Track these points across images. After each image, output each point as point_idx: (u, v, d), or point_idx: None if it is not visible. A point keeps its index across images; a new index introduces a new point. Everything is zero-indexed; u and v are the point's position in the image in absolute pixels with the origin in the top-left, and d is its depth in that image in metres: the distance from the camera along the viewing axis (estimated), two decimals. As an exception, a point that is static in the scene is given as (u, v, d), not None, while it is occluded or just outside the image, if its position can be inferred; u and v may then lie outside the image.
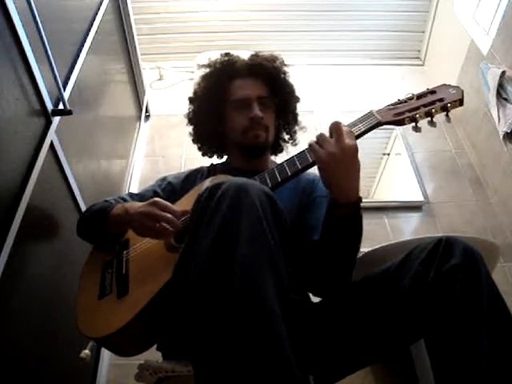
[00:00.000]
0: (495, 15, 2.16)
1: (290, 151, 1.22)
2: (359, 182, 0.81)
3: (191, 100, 1.19)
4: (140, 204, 0.88)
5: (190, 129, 1.21)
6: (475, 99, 2.14)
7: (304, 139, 1.13)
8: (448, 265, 0.75)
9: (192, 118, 1.19)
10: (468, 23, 2.39)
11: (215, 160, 1.22)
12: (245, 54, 1.17)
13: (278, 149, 1.23)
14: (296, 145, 1.23)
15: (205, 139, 1.19)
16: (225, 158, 1.22)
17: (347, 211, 0.81)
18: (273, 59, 1.14)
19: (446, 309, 0.74)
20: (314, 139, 0.82)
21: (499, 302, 0.75)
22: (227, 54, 1.15)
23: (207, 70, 1.16)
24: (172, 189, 1.08)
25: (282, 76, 1.15)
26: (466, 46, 2.34)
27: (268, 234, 0.66)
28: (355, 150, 0.78)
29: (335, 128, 0.79)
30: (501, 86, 1.85)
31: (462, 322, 0.72)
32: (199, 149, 1.22)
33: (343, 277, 0.89)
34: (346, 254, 0.87)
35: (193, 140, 1.21)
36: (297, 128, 1.22)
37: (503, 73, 1.84)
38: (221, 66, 1.14)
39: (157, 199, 0.85)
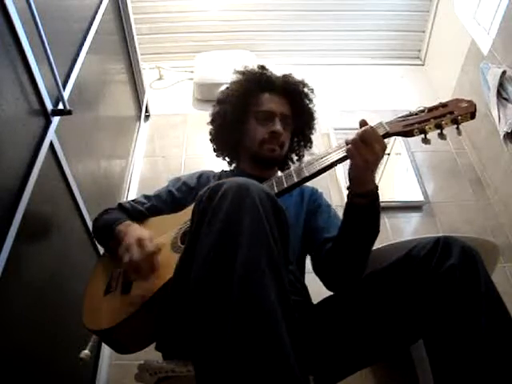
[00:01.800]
0: (496, 15, 2.16)
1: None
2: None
3: (220, 101, 1.22)
4: (137, 232, 0.88)
5: (210, 128, 1.24)
6: (475, 99, 2.11)
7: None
8: (446, 265, 0.75)
9: (215, 119, 1.22)
10: (468, 23, 2.38)
11: (214, 163, 1.26)
12: (277, 71, 1.22)
13: (284, 167, 1.26)
14: None
15: (222, 141, 1.23)
16: (233, 166, 1.26)
17: (367, 200, 0.85)
18: (303, 84, 1.20)
19: (445, 308, 0.74)
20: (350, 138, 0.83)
21: (497, 302, 0.75)
22: (263, 67, 1.20)
23: (241, 76, 1.20)
24: (187, 189, 1.11)
25: (308, 102, 1.21)
26: (466, 46, 2.34)
27: (269, 233, 0.66)
28: (384, 151, 0.83)
29: (370, 135, 0.80)
30: (501, 86, 1.85)
31: (461, 322, 0.73)
32: (214, 150, 1.26)
33: (360, 267, 0.90)
34: (365, 243, 0.89)
35: (211, 140, 1.25)
36: (306, 152, 1.27)
37: (504, 72, 1.84)
38: (255, 76, 1.18)
39: (145, 237, 0.83)
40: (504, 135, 1.85)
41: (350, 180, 0.86)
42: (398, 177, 2.34)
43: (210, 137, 1.25)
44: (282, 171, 1.26)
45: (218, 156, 1.27)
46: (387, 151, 2.40)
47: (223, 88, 1.23)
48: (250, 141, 1.14)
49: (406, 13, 2.81)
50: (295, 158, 1.27)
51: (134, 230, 0.90)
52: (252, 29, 2.80)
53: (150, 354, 0.87)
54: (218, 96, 1.24)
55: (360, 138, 0.80)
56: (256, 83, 1.16)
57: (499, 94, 1.85)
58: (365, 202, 0.85)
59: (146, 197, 1.10)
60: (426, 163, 2.27)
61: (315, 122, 1.25)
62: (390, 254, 0.89)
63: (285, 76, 1.20)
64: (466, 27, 2.37)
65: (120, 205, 1.07)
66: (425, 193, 2.11)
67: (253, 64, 1.22)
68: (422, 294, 0.78)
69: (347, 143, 0.82)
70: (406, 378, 1.42)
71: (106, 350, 1.49)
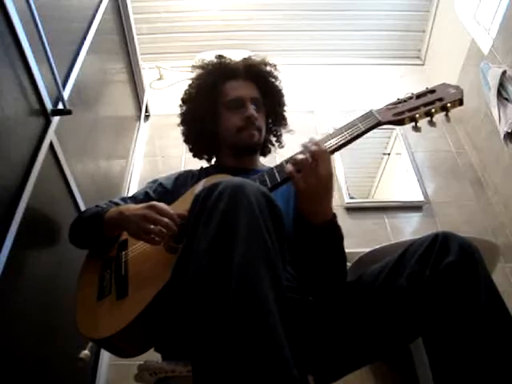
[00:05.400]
0: (496, 15, 2.16)
1: (278, 152, 1.28)
2: (331, 200, 0.83)
3: (184, 100, 1.20)
4: (136, 206, 0.88)
5: (182, 129, 1.22)
6: (476, 99, 2.13)
7: (293, 141, 1.15)
8: (445, 262, 0.75)
9: (185, 119, 1.20)
10: (469, 23, 2.38)
11: (204, 164, 1.24)
12: (238, 56, 1.20)
13: (265, 150, 1.25)
14: (283, 147, 1.27)
15: (197, 140, 1.21)
16: (213, 161, 1.24)
17: (323, 231, 0.83)
18: (265, 63, 1.18)
19: (444, 306, 0.74)
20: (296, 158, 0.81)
21: (497, 299, 0.75)
22: (221, 56, 1.17)
23: (201, 71, 1.17)
24: (163, 190, 1.09)
25: (273, 80, 1.19)
26: (466, 46, 2.34)
27: (265, 233, 0.65)
28: (330, 176, 0.80)
29: (312, 156, 0.79)
30: (501, 86, 1.85)
31: (460, 320, 0.72)
32: (190, 150, 1.24)
33: (335, 278, 0.90)
34: (330, 263, 0.88)
35: (185, 140, 1.23)
36: (283, 131, 1.26)
37: (504, 72, 1.84)
38: (214, 67, 1.16)
39: (154, 202, 0.85)
40: (504, 135, 1.85)
41: (306, 213, 0.84)
42: (398, 177, 2.35)
43: (183, 138, 1.22)
44: (264, 156, 1.26)
45: (195, 156, 1.24)
46: (387, 151, 2.41)
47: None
48: (226, 132, 1.11)
49: (406, 13, 2.81)
50: (274, 139, 1.25)
51: (132, 206, 0.89)
52: (252, 29, 2.80)
53: (150, 355, 0.87)
54: (182, 96, 1.21)
55: (310, 154, 0.78)
56: (218, 74, 1.14)
57: (499, 94, 1.85)
58: (324, 231, 0.83)
59: (123, 199, 1.09)
60: (426, 163, 2.26)
61: (284, 97, 1.22)
62: (390, 254, 0.88)
63: (245, 60, 1.17)
64: (466, 27, 2.37)
65: (97, 206, 1.04)
66: (425, 193, 2.11)
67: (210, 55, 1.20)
68: (420, 291, 0.77)
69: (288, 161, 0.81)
70: (406, 378, 1.42)
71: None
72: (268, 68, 1.18)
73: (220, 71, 1.14)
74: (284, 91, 1.22)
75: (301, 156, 0.80)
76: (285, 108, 1.23)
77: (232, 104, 1.10)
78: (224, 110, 1.11)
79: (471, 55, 2.29)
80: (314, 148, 0.79)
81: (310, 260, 0.88)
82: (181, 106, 1.21)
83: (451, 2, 2.54)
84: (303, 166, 0.79)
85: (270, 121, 1.22)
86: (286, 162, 0.89)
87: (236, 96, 1.10)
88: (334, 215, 0.85)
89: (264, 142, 1.21)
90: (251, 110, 1.08)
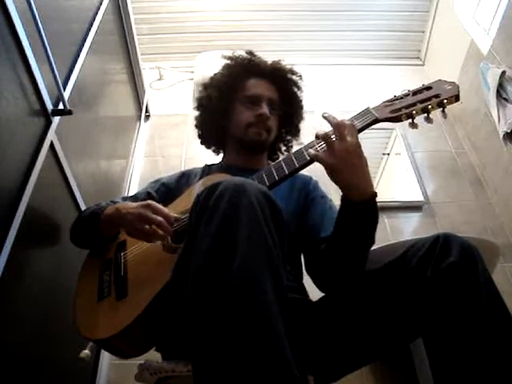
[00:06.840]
0: (495, 15, 2.16)
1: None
2: (369, 176, 0.80)
3: (206, 86, 1.20)
4: (133, 204, 0.88)
5: (196, 114, 1.22)
6: (475, 99, 2.14)
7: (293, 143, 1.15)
8: (445, 263, 0.75)
9: (201, 104, 1.21)
10: (468, 23, 2.39)
11: (209, 161, 1.24)
12: (267, 58, 1.21)
13: (274, 156, 1.25)
14: None
15: (208, 127, 1.21)
16: (220, 156, 1.24)
17: (362, 207, 0.80)
18: (292, 72, 1.19)
19: (444, 306, 0.74)
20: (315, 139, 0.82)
21: (497, 300, 0.75)
22: (252, 53, 1.18)
23: (229, 61, 1.18)
24: (166, 190, 1.09)
25: (296, 90, 1.19)
26: (466, 46, 2.34)
27: (266, 233, 0.66)
28: (356, 147, 0.77)
29: (336, 127, 0.78)
30: (501, 86, 1.85)
31: (460, 320, 0.72)
32: (199, 136, 1.24)
33: (357, 269, 0.88)
34: (361, 248, 0.86)
35: (196, 125, 1.24)
36: (294, 143, 1.25)
37: (503, 73, 1.84)
38: (243, 61, 1.17)
39: (150, 202, 0.85)
40: (504, 135, 1.85)
41: (343, 189, 0.81)
42: (398, 177, 2.35)
43: (195, 122, 1.23)
44: (272, 161, 1.25)
45: (202, 143, 1.25)
46: (387, 151, 2.41)
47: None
48: (236, 126, 1.12)
49: (406, 13, 2.81)
50: (283, 148, 1.25)
51: (129, 204, 0.89)
52: (252, 29, 2.81)
53: (151, 354, 0.87)
54: (206, 81, 1.22)
55: (335, 126, 0.77)
56: (243, 68, 1.15)
57: (499, 94, 1.85)
58: (363, 208, 0.80)
59: (124, 198, 1.09)
60: (426, 163, 2.27)
61: (303, 110, 1.23)
62: (390, 254, 0.88)
63: (273, 62, 1.18)
64: (465, 27, 2.38)
65: (97, 205, 1.04)
66: (425, 193, 2.11)
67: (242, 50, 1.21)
68: (420, 292, 0.77)
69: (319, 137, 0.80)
70: (406, 378, 1.42)
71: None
72: (294, 77, 1.19)
73: (247, 66, 1.15)
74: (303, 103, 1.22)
75: (326, 130, 0.79)
76: (300, 119, 1.23)
77: (248, 99, 1.11)
78: (239, 104, 1.12)
79: (471, 55, 2.30)
80: (336, 121, 0.78)
81: (340, 242, 0.86)
82: (201, 91, 1.22)
83: (451, 2, 2.54)
84: (329, 139, 0.77)
85: (284, 130, 1.22)
86: (284, 160, 0.89)
87: (254, 93, 1.11)
88: (375, 194, 0.81)
89: (274, 148, 1.21)
90: (265, 108, 1.09)
